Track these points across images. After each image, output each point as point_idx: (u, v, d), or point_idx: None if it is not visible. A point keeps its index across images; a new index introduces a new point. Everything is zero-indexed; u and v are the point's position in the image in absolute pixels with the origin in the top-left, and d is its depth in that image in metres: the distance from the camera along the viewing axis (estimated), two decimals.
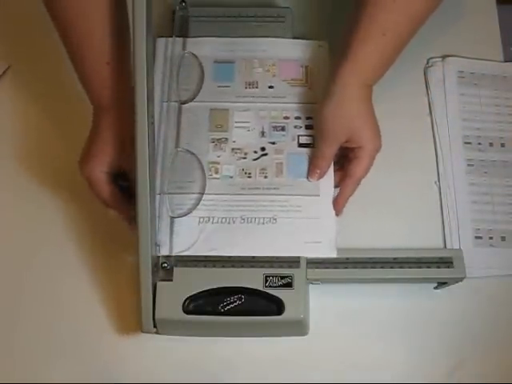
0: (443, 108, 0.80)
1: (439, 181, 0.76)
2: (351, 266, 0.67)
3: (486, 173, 0.77)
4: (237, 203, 0.69)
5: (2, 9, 0.87)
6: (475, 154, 0.78)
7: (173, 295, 0.65)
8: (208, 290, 0.65)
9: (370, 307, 0.71)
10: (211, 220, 0.68)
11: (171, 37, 0.76)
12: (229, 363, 0.69)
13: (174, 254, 0.67)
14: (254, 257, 0.67)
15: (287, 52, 0.76)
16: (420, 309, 0.71)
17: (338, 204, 0.69)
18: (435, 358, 0.69)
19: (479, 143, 0.78)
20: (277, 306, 0.65)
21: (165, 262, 0.66)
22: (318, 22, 0.84)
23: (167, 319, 0.65)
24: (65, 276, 0.73)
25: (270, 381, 0.68)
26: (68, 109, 0.79)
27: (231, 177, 0.70)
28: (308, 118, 0.72)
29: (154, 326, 0.65)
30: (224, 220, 0.68)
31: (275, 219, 0.68)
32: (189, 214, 0.69)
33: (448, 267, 0.67)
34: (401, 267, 0.67)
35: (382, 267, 0.67)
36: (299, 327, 0.67)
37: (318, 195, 0.69)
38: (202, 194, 0.69)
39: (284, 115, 0.73)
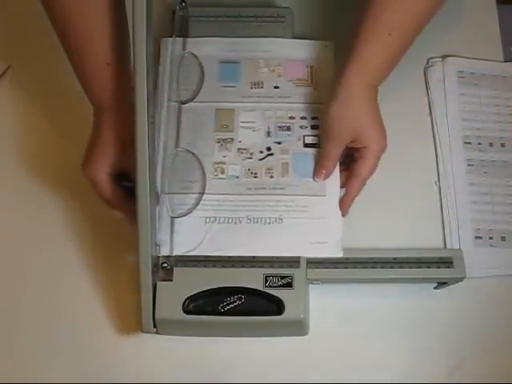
0: (443, 108, 0.80)
1: (439, 181, 0.76)
2: (351, 266, 0.67)
3: (486, 173, 0.77)
4: (243, 203, 0.69)
5: (2, 9, 0.87)
6: (475, 154, 0.78)
7: (173, 295, 0.65)
8: (208, 290, 0.65)
9: (369, 307, 0.71)
10: (217, 220, 0.68)
11: (171, 37, 0.76)
12: (229, 363, 0.69)
13: (180, 254, 0.67)
14: (254, 257, 0.67)
15: (292, 52, 0.76)
16: (420, 309, 0.71)
17: (344, 204, 0.69)
18: (435, 358, 0.69)
19: (479, 143, 0.78)
20: (277, 306, 0.65)
21: (165, 262, 0.66)
22: (318, 22, 0.84)
23: (167, 319, 0.65)
24: (65, 276, 0.73)
25: (270, 381, 0.68)
26: (68, 108, 0.79)
27: (237, 177, 0.70)
28: (314, 118, 0.73)
29: (154, 326, 0.65)
30: (230, 220, 0.68)
31: (281, 219, 0.68)
32: (189, 214, 0.69)
33: (448, 267, 0.67)
34: (401, 267, 0.67)
35: (382, 267, 0.67)
36: (299, 327, 0.67)
37: (324, 195, 0.69)
38: (203, 193, 0.69)
39: (290, 115, 0.73)
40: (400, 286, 0.71)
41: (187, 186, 0.70)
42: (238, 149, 0.72)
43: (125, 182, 0.69)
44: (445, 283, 0.70)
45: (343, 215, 0.69)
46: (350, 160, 0.70)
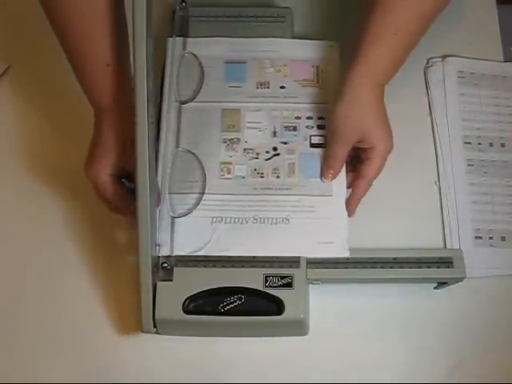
0: (443, 108, 0.80)
1: (439, 181, 0.76)
2: (351, 266, 0.67)
3: (486, 173, 0.77)
4: (249, 203, 0.69)
5: (2, 9, 0.87)
6: (475, 154, 0.78)
7: (173, 295, 0.65)
8: (208, 290, 0.65)
9: (370, 307, 0.71)
10: (224, 220, 0.68)
11: (171, 37, 0.76)
12: (229, 363, 0.69)
13: (187, 254, 0.67)
14: (254, 257, 0.67)
15: (298, 52, 0.76)
16: (420, 309, 0.71)
17: (351, 205, 0.69)
18: (435, 358, 0.69)
19: (479, 143, 0.78)
20: (277, 306, 0.65)
21: (165, 262, 0.66)
22: (318, 22, 0.84)
23: (167, 319, 0.65)
24: (65, 276, 0.73)
25: (270, 381, 0.68)
26: (68, 108, 0.79)
27: (243, 177, 0.70)
28: (320, 118, 0.73)
29: (154, 326, 0.65)
30: (237, 220, 0.68)
31: (288, 219, 0.68)
32: (189, 214, 0.69)
33: (448, 267, 0.67)
34: (401, 267, 0.67)
35: (382, 267, 0.67)
36: (299, 327, 0.67)
37: (331, 195, 0.69)
38: (203, 193, 0.69)
39: (296, 115, 0.73)
40: (400, 286, 0.71)
41: (187, 186, 0.70)
42: (245, 149, 0.72)
43: (127, 182, 0.69)
44: (445, 283, 0.70)
45: (350, 215, 0.69)
46: (356, 161, 0.70)
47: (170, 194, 0.69)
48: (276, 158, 0.71)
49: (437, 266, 0.67)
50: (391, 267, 0.67)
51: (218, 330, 0.68)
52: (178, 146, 0.71)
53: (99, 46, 0.66)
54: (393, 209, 0.74)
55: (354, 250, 0.67)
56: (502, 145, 0.78)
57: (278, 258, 0.66)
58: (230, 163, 0.71)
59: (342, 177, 0.70)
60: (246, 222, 0.68)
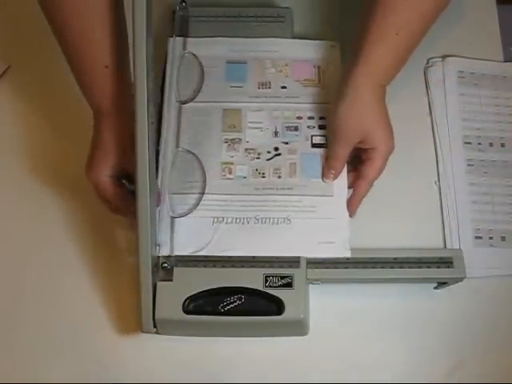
0: (443, 108, 0.80)
1: (439, 181, 0.76)
2: (351, 265, 0.67)
3: (486, 173, 0.77)
4: (251, 203, 0.69)
5: (2, 9, 0.87)
6: (475, 154, 0.78)
7: (173, 295, 0.65)
8: (208, 290, 0.65)
9: (370, 307, 0.71)
10: (225, 220, 0.68)
11: (171, 37, 0.76)
12: (229, 363, 0.69)
13: (188, 254, 0.67)
14: (254, 257, 0.67)
15: (299, 52, 0.76)
16: (420, 309, 0.71)
17: (352, 205, 0.69)
18: (435, 358, 0.69)
19: (479, 143, 0.78)
20: (277, 306, 0.65)
21: (165, 262, 0.66)
22: (318, 22, 0.84)
23: (167, 319, 0.65)
24: (65, 276, 0.73)
25: (270, 381, 0.68)
26: (68, 108, 0.79)
27: (245, 177, 0.70)
28: (321, 118, 0.73)
29: (154, 326, 0.65)
30: (238, 220, 0.68)
31: (289, 219, 0.68)
32: (189, 214, 0.69)
33: (448, 267, 0.67)
34: (401, 267, 0.67)
35: (382, 267, 0.67)
36: (299, 327, 0.67)
37: (332, 196, 0.69)
38: (203, 193, 0.69)
39: (297, 115, 0.73)
40: (400, 286, 0.71)
41: (187, 186, 0.70)
42: (246, 149, 0.72)
43: (127, 183, 0.69)
44: (445, 283, 0.70)
45: (351, 216, 0.69)
46: (357, 161, 0.70)
47: (170, 194, 0.69)
48: (277, 158, 0.71)
49: (437, 266, 0.67)
50: (391, 267, 0.67)
51: (218, 330, 0.68)
52: (177, 146, 0.71)
53: (98, 47, 0.66)
54: (393, 209, 0.74)
55: (354, 249, 0.67)
56: (502, 145, 0.78)
57: (277, 257, 0.66)
58: (232, 163, 0.71)
59: (344, 177, 0.70)
60: (248, 222, 0.68)
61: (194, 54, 0.76)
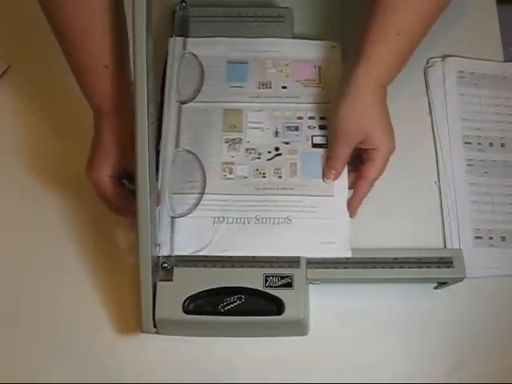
0: (443, 108, 0.80)
1: (439, 181, 0.76)
2: (351, 266, 0.67)
3: (485, 173, 0.77)
4: (251, 203, 0.69)
5: (2, 9, 0.87)
6: (475, 154, 0.78)
7: (173, 295, 0.65)
8: (208, 290, 0.65)
9: (370, 307, 0.71)
10: (226, 220, 0.68)
11: (171, 37, 0.76)
12: (229, 363, 0.69)
13: (188, 254, 0.67)
14: (254, 257, 0.67)
15: (300, 52, 0.76)
16: (420, 309, 0.71)
17: (352, 205, 0.69)
18: (435, 358, 0.69)
19: (479, 143, 0.78)
20: (277, 306, 0.65)
21: (165, 262, 0.66)
22: (318, 22, 0.84)
23: (167, 319, 0.65)
24: (65, 276, 0.73)
25: (270, 381, 0.68)
26: (69, 108, 0.79)
27: (245, 177, 0.70)
28: (322, 118, 0.73)
29: (154, 326, 0.65)
30: (239, 220, 0.68)
31: (290, 220, 0.68)
32: (189, 214, 0.69)
33: (448, 267, 0.67)
34: (401, 267, 0.67)
35: (382, 267, 0.67)
36: (299, 327, 0.67)
37: (332, 196, 0.69)
38: (203, 193, 0.69)
39: (298, 115, 0.73)
40: (400, 286, 0.71)
41: (188, 186, 0.70)
42: (247, 149, 0.72)
43: (127, 183, 0.69)
44: (445, 283, 0.70)
45: (351, 216, 0.69)
46: (358, 161, 0.70)
47: (170, 194, 0.69)
48: (278, 158, 0.71)
49: (437, 266, 0.67)
50: (391, 267, 0.67)
51: (218, 330, 0.68)
52: (177, 146, 0.71)
53: (98, 47, 0.66)
54: (393, 209, 0.74)
55: (354, 249, 0.67)
56: (502, 145, 0.78)
57: (277, 257, 0.66)
58: (232, 163, 0.71)
59: (344, 177, 0.70)
60: (248, 223, 0.68)
61: (194, 54, 0.76)
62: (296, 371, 0.69)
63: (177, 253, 0.67)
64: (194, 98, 0.74)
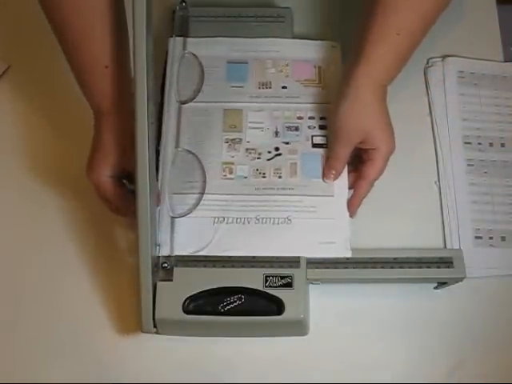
0: (443, 108, 0.80)
1: (439, 181, 0.76)
2: (351, 266, 0.67)
3: (485, 173, 0.77)
4: (251, 203, 0.69)
5: (2, 9, 0.87)
6: (475, 154, 0.78)
7: (173, 295, 0.65)
8: (208, 290, 0.65)
9: (370, 307, 0.71)
10: (226, 220, 0.68)
11: (171, 37, 0.76)
12: (229, 363, 0.69)
13: (188, 254, 0.67)
14: (254, 257, 0.67)
15: (300, 52, 0.76)
16: (420, 309, 0.71)
17: (352, 205, 0.69)
18: (435, 358, 0.69)
19: (479, 143, 0.78)
20: (277, 306, 0.65)
21: (165, 262, 0.66)
22: (318, 22, 0.84)
23: (167, 319, 0.65)
24: (65, 276, 0.73)
25: (270, 381, 0.68)
26: (68, 108, 0.79)
27: (245, 177, 0.70)
28: (322, 118, 0.73)
29: (154, 326, 0.65)
30: (239, 220, 0.68)
31: (290, 220, 0.68)
32: (189, 214, 0.69)
33: (448, 267, 0.67)
34: (401, 267, 0.67)
35: (382, 267, 0.67)
36: (299, 327, 0.67)
37: (332, 196, 0.69)
38: (203, 193, 0.69)
39: (298, 115, 0.73)
40: (400, 286, 0.71)
41: (187, 186, 0.70)
42: (247, 149, 0.72)
43: (128, 183, 0.70)
44: (445, 283, 0.70)
45: (351, 216, 0.69)
46: (358, 161, 0.70)
47: (170, 194, 0.69)
48: (278, 158, 0.71)
49: (437, 266, 0.67)
50: (391, 267, 0.67)
51: (218, 330, 0.68)
52: (177, 146, 0.71)
53: (98, 46, 0.66)
54: (393, 209, 0.74)
55: (354, 249, 0.67)
56: (502, 145, 0.78)
57: (277, 257, 0.66)
58: (232, 163, 0.71)
59: (344, 177, 0.70)
60: (248, 223, 0.68)
61: (194, 54, 0.76)
62: (296, 371, 0.69)
63: (177, 253, 0.67)
64: (194, 98, 0.74)
